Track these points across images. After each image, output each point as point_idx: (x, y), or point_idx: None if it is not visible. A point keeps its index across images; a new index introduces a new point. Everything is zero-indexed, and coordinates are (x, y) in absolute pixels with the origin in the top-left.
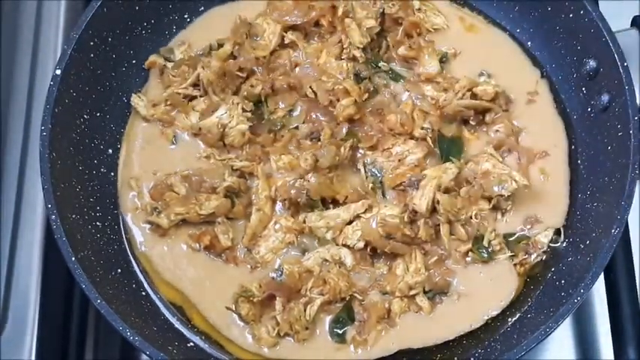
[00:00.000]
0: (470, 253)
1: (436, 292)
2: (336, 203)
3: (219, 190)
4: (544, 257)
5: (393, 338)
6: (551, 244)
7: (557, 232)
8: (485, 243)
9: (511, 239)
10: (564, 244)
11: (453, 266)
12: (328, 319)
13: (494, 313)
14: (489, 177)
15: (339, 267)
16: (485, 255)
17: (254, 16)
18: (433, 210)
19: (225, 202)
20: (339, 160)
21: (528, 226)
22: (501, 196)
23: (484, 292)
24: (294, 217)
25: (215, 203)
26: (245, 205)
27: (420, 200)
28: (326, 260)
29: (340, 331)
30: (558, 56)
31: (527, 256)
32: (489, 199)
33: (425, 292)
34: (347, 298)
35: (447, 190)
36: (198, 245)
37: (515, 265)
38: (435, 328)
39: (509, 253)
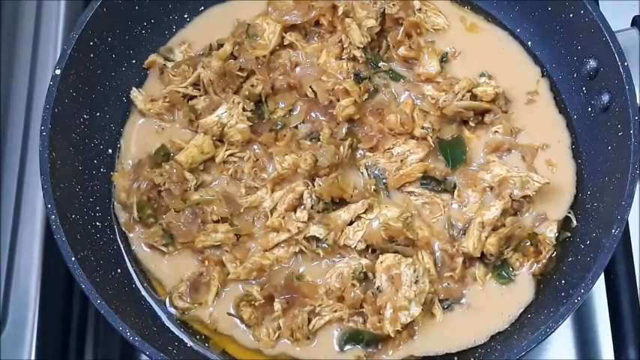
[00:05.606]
0: (489, 277)
1: (452, 302)
2: (341, 204)
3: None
4: (555, 253)
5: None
6: (558, 238)
7: (561, 228)
8: (508, 269)
9: (522, 244)
10: (565, 243)
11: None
12: (337, 333)
13: (517, 313)
14: (508, 182)
15: (359, 283)
16: (507, 277)
17: (253, 16)
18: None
19: (232, 235)
20: (338, 159)
21: (537, 223)
22: (525, 197)
23: (499, 300)
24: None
25: (221, 237)
26: (250, 227)
27: (468, 242)
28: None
29: (352, 347)
30: (559, 56)
31: (539, 255)
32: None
33: (440, 301)
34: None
35: (494, 228)
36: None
37: (527, 263)
38: (446, 337)
39: (527, 264)
